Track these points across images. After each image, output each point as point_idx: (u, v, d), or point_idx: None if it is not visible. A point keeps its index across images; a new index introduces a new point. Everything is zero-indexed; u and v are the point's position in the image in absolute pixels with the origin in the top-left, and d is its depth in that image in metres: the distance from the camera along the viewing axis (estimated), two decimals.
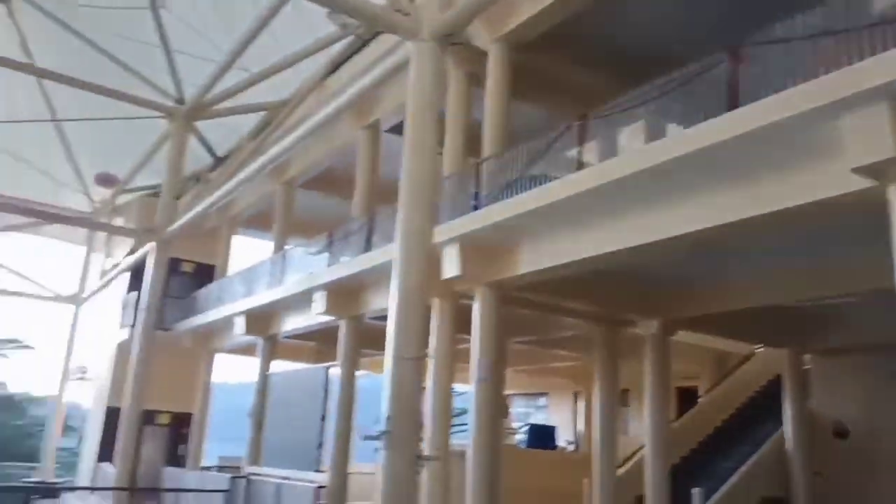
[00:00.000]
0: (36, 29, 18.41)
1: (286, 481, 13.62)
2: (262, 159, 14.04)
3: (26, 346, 36.25)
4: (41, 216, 21.49)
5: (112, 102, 18.33)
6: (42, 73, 18.12)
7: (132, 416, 15.63)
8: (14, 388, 36.57)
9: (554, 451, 17.39)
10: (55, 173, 21.89)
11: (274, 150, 13.32)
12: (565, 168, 8.69)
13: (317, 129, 12.38)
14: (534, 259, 9.27)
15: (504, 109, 10.71)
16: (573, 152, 9.08)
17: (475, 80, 11.29)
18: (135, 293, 21.36)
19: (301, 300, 14.88)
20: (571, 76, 12.16)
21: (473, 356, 9.82)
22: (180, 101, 16.81)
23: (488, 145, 10.40)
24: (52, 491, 18.18)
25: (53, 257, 27.72)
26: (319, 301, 13.62)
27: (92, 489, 19.10)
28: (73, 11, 17.17)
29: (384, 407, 6.82)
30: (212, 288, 19.15)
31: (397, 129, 14.58)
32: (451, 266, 9.68)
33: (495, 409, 10.11)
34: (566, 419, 21.52)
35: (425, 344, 7.23)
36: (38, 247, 26.66)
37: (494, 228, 9.09)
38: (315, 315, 14.01)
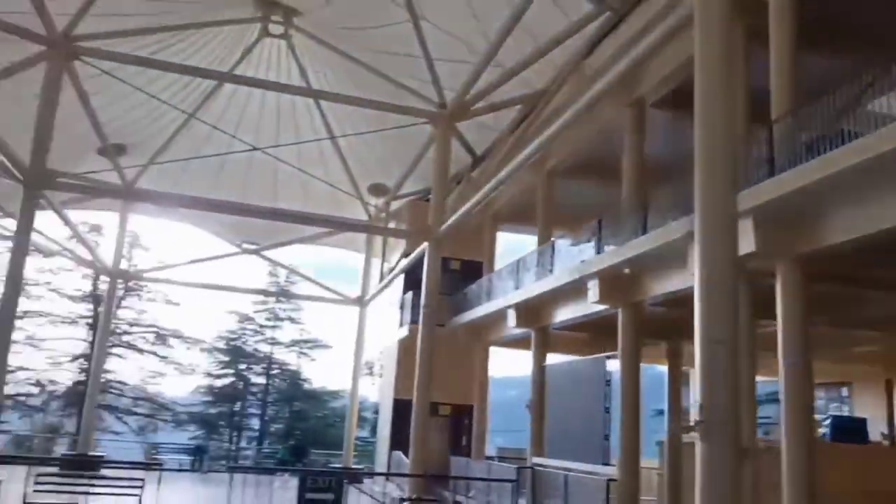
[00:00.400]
0: (312, 57, 20.38)
1: (573, 473, 13.50)
2: (524, 152, 14.04)
3: (324, 346, 40.77)
4: (330, 226, 23.69)
5: (376, 116, 19.73)
6: (318, 95, 19.96)
7: (421, 409, 16.48)
8: (316, 383, 41.05)
9: (869, 446, 15.31)
10: (335, 187, 24.03)
11: (536, 142, 13.23)
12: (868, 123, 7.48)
13: (577, 115, 12.08)
14: (849, 226, 8.10)
15: (792, 63, 9.55)
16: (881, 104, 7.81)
17: (753, 34, 10.23)
18: (410, 293, 22.80)
19: (572, 290, 14.69)
20: (865, 18, 10.54)
21: (780, 341, 8.85)
22: (443, 105, 17.45)
23: (777, 104, 9.32)
24: (356, 476, 19.95)
25: (338, 265, 30.64)
26: (593, 290, 13.30)
27: (387, 475, 20.59)
28: (338, 34, 18.71)
29: (697, 394, 6.28)
30: (482, 283, 19.70)
31: (662, 103, 13.87)
32: (745, 241, 8.81)
33: (808, 397, 9.03)
34: (876, 410, 18.93)
35: (736, 323, 6.54)
36: (325, 256, 29.68)
37: (798, 194, 8.08)
38: (589, 304, 13.71)
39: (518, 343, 19.22)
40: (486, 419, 20.86)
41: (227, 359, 39.72)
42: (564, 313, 15.90)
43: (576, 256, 14.82)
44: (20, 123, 16.03)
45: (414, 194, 24.28)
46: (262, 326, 40.34)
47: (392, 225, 25.14)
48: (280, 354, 40.61)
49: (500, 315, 18.00)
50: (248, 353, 40.13)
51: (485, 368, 21.05)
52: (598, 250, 13.80)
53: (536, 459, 15.84)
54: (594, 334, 18.25)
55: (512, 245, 25.18)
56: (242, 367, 40.03)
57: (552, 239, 16.77)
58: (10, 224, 21.26)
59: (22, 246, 15.03)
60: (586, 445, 14.29)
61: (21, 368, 32.07)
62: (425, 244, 17.91)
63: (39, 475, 13.95)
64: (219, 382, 39.54)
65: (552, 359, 18.46)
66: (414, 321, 21.68)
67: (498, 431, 32.25)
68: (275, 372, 40.64)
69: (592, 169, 17.50)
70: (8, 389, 21.11)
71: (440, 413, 21.08)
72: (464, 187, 20.03)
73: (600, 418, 13.76)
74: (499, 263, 20.57)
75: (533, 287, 16.07)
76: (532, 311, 16.76)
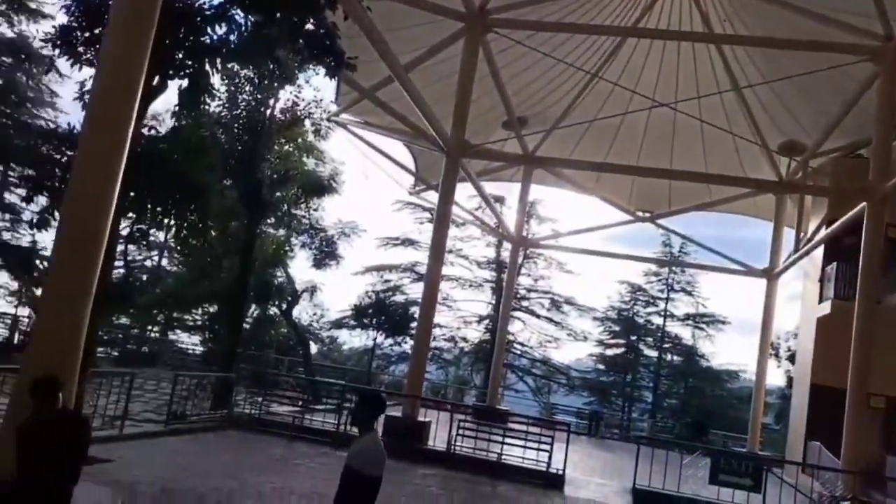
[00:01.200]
0: (717, 3, 18.73)
1: None
2: None
3: (721, 321, 38.23)
4: (745, 185, 21.81)
5: (789, 65, 17.28)
6: (729, 41, 18.29)
7: (856, 399, 14.12)
8: (713, 360, 38.73)
9: None
10: (740, 146, 21.99)
11: None
12: None
13: None
14: None
15: None
16: None
17: None
18: (833, 264, 19.75)
19: None
20: None
21: None
22: (889, 38, 14.47)
23: None
24: (772, 462, 18.37)
25: (743, 233, 28.38)
26: None
27: (802, 465, 18.29)
28: None
29: None
30: None
31: None
32: None
33: None
34: None
35: None
36: (728, 223, 27.60)
37: None
38: None
39: None
40: None
41: (617, 329, 39.69)
42: None
43: None
44: (437, 99, 17.50)
45: (835, 151, 21.02)
46: (654, 298, 39.41)
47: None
48: (673, 328, 39.24)
49: None
50: (639, 325, 39.58)
51: None
52: None
53: None
54: None
55: None
56: (634, 338, 39.66)
57: None
58: (432, 197, 23.75)
59: (446, 209, 16.40)
60: None
61: (438, 325, 36.04)
62: (860, 206, 15.21)
63: (462, 422, 15.20)
64: (609, 352, 39.74)
65: None
66: (839, 297, 18.79)
67: None
68: (667, 345, 39.42)
69: None
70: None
71: (871, 405, 17.97)
72: None
73: None
74: None
75: None
76: None
